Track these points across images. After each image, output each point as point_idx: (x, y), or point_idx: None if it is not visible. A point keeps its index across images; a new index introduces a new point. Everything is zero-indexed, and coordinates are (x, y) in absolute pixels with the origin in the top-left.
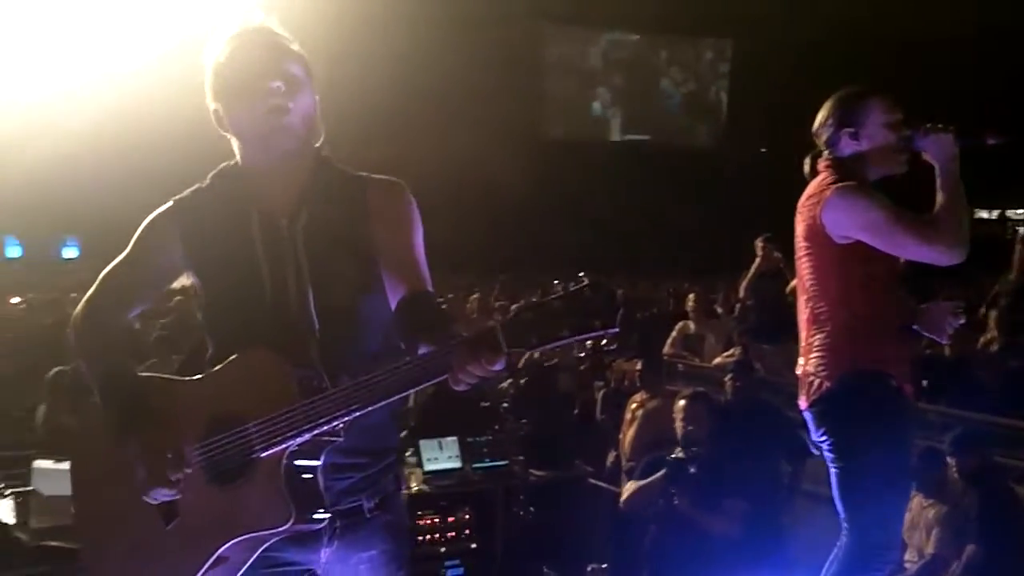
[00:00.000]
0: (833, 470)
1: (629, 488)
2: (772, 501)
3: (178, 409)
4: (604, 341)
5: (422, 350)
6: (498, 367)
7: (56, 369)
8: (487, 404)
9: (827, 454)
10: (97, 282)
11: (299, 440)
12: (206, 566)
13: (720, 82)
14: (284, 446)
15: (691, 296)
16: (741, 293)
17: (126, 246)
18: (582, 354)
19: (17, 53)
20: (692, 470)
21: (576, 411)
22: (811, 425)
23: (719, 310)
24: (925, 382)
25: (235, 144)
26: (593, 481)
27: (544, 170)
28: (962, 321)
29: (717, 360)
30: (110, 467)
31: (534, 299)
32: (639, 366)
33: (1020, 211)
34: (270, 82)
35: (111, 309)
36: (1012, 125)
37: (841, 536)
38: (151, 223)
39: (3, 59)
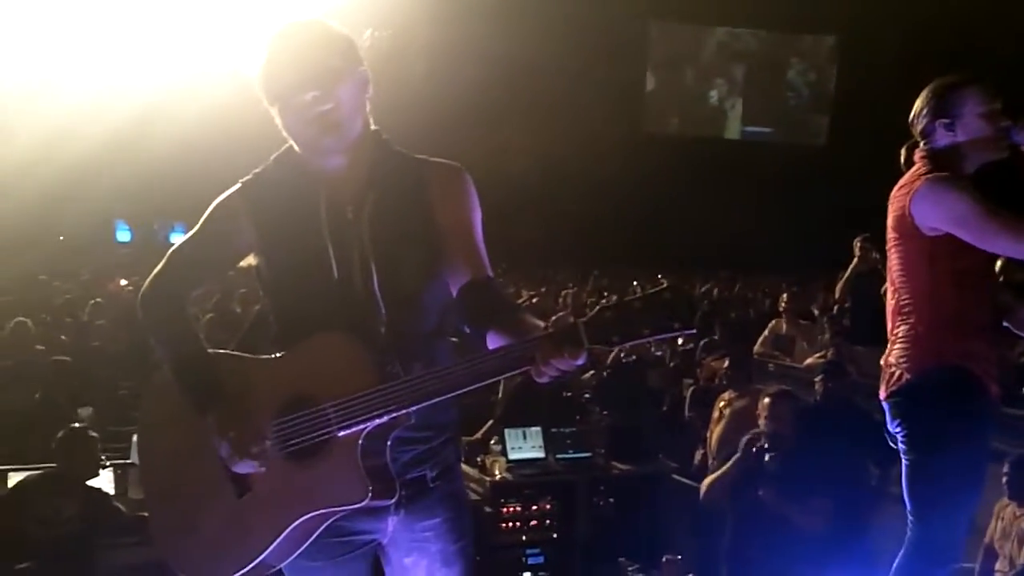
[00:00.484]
0: (904, 462)
1: (707, 481)
2: (856, 502)
3: (253, 387)
4: (681, 342)
5: (490, 335)
6: (580, 362)
7: None
8: (570, 395)
9: (900, 445)
10: (165, 259)
11: (377, 422)
12: (279, 539)
13: (826, 79)
14: (362, 427)
15: (784, 296)
16: (837, 293)
17: None
18: (658, 352)
19: (133, 43)
20: (771, 461)
21: (664, 408)
22: (888, 416)
23: (814, 311)
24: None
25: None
26: (677, 477)
27: (647, 166)
28: None
29: (809, 361)
30: (180, 440)
31: (615, 299)
32: (727, 364)
33: None
34: (305, 94)
35: (179, 285)
36: None
37: (907, 530)
38: (221, 203)
39: (118, 49)
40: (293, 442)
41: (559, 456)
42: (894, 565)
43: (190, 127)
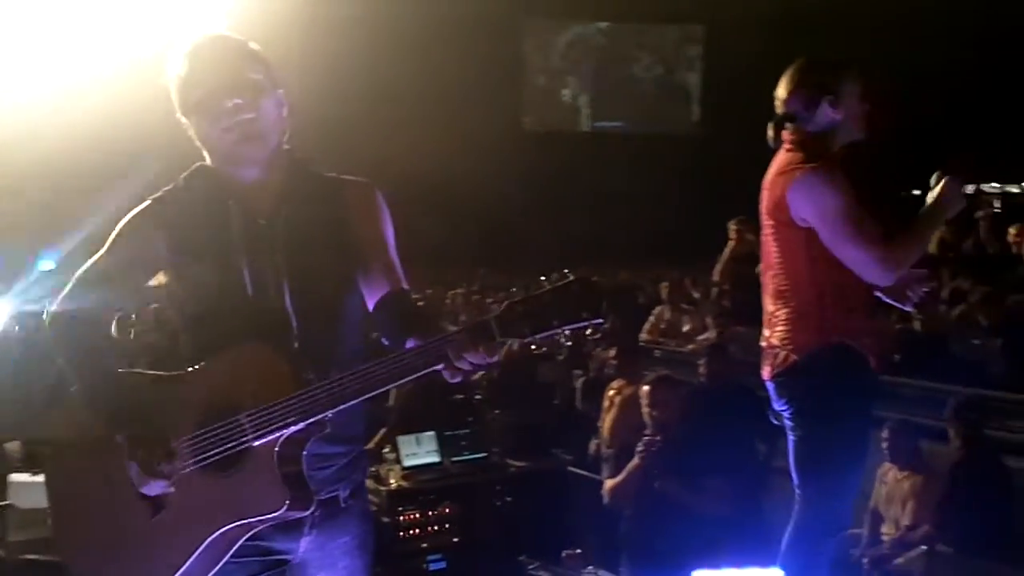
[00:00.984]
0: (791, 438)
1: (609, 485)
2: (750, 479)
3: (165, 404)
4: (589, 332)
5: (409, 345)
6: (494, 357)
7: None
8: (462, 397)
9: (787, 423)
10: (73, 280)
11: (293, 429)
12: (197, 552)
13: (692, 66)
14: (278, 435)
15: (665, 283)
16: (715, 276)
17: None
18: (535, 349)
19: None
20: (663, 451)
21: (556, 401)
22: (773, 395)
23: (695, 295)
24: (897, 356)
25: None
26: (573, 469)
27: (524, 163)
28: (926, 289)
29: (693, 344)
30: (91, 464)
31: (524, 293)
32: (614, 353)
33: (995, 185)
34: (228, 101)
35: (88, 307)
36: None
37: (795, 505)
38: (130, 221)
39: None
40: (209, 455)
41: (455, 459)
42: (785, 538)
43: (55, 151)
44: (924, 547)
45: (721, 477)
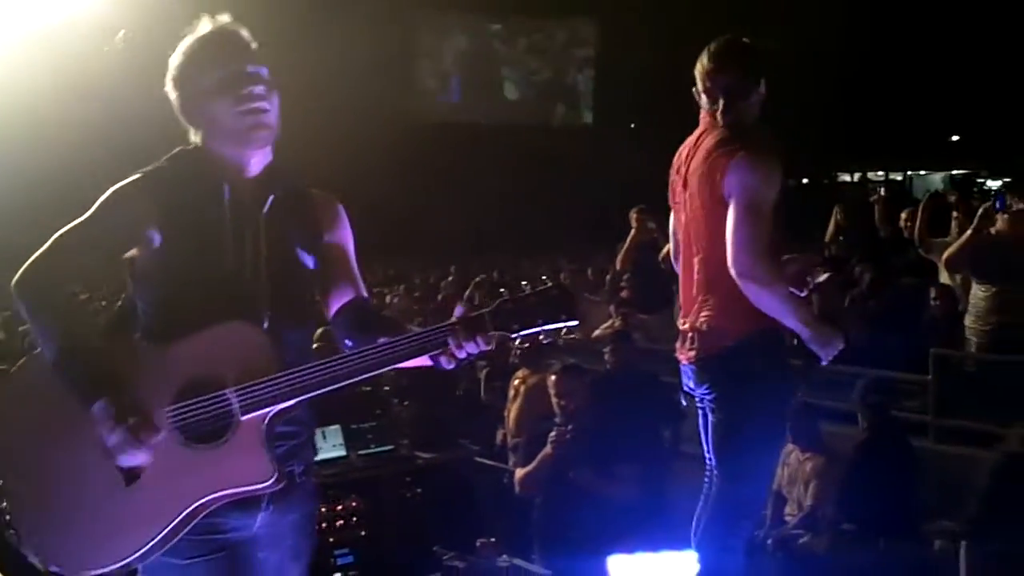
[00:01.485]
0: (712, 421)
1: (519, 475)
2: (657, 464)
3: (145, 373)
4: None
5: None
6: (487, 347)
7: None
8: (368, 389)
9: (707, 406)
10: (50, 243)
11: (282, 406)
12: (175, 522)
13: (584, 63)
14: (266, 411)
15: (563, 273)
16: (618, 265)
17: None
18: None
19: None
20: (573, 440)
21: (459, 392)
22: (691, 378)
23: (596, 284)
24: (796, 340)
25: (200, 132)
26: (479, 459)
27: (411, 155)
28: (822, 278)
29: (597, 332)
30: (54, 433)
31: (512, 294)
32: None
33: (880, 173)
34: (253, 86)
35: (65, 269)
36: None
37: (709, 487)
38: (120, 189)
39: None
40: (190, 425)
41: (361, 452)
42: (701, 522)
43: None
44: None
45: (629, 464)
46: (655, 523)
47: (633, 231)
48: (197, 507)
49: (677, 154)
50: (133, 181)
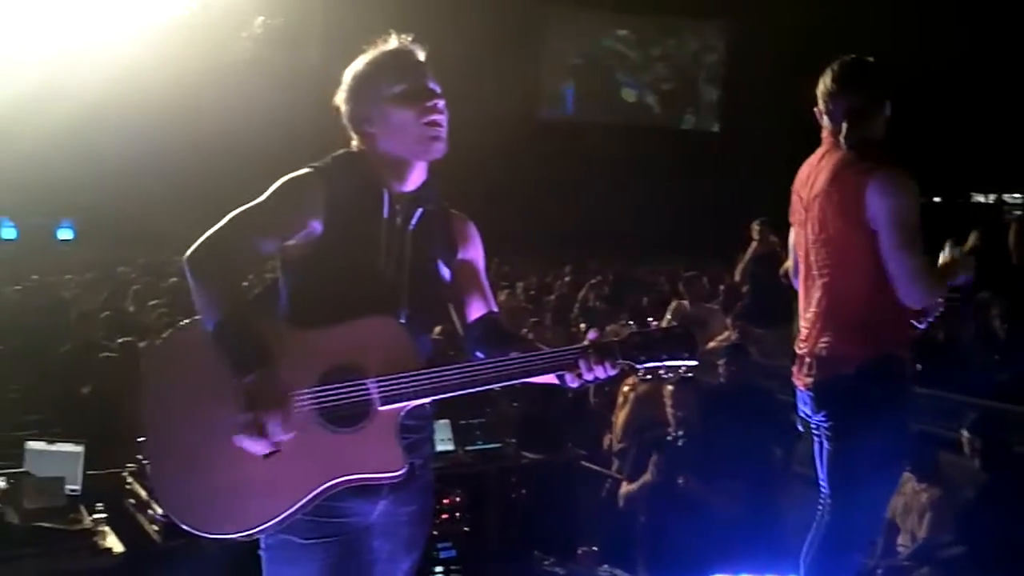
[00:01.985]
0: (826, 448)
1: (623, 491)
2: (767, 483)
3: (290, 355)
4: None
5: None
6: (613, 372)
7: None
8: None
9: (823, 432)
10: (226, 220)
11: (417, 402)
12: (307, 498)
13: (714, 66)
14: (404, 404)
15: (684, 279)
16: (736, 277)
17: (121, 228)
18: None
19: (15, 32)
20: (684, 450)
21: (569, 395)
22: (808, 404)
23: (713, 294)
24: (919, 366)
25: (369, 144)
26: (586, 464)
27: (537, 153)
28: (942, 308)
29: (712, 344)
30: (201, 400)
31: (640, 329)
32: None
33: (1017, 195)
34: (438, 100)
35: (238, 248)
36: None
37: (822, 514)
38: (296, 178)
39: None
40: (330, 408)
41: (468, 448)
42: (811, 548)
43: (72, 120)
44: (941, 559)
45: (736, 479)
46: (762, 543)
47: (755, 243)
48: (327, 487)
49: (799, 173)
50: (306, 173)
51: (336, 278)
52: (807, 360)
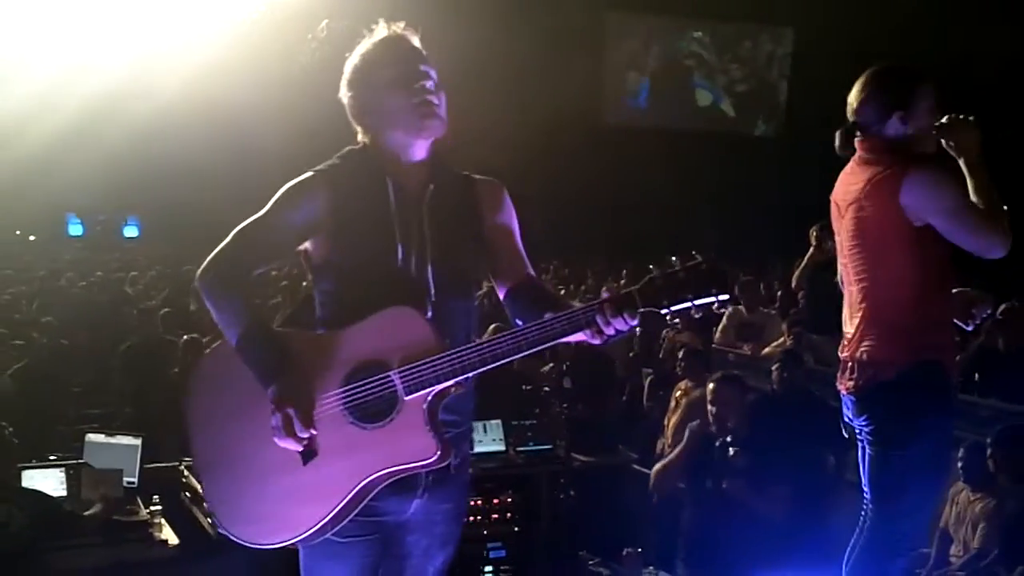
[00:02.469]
0: (869, 454)
1: (656, 468)
2: (816, 490)
3: (318, 359)
4: (716, 306)
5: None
6: (634, 323)
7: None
8: (530, 388)
9: (865, 438)
10: (232, 236)
11: (442, 386)
12: (348, 496)
13: (780, 71)
14: (428, 390)
15: (739, 284)
16: (794, 283)
17: (186, 226)
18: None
19: (85, 33)
20: (734, 453)
21: (624, 397)
22: (851, 409)
23: (770, 299)
24: (977, 375)
25: (370, 132)
26: (638, 468)
27: (601, 158)
28: (989, 311)
29: (767, 350)
30: (240, 412)
31: (661, 271)
32: (682, 355)
33: None
34: (426, 80)
35: (248, 261)
36: None
37: (863, 520)
38: (296, 185)
39: (71, 39)
40: (359, 405)
41: (520, 449)
42: (853, 555)
43: (141, 119)
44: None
45: (785, 483)
46: (809, 549)
47: (812, 249)
48: (368, 483)
49: (837, 182)
50: (308, 178)
51: (355, 278)
52: (849, 365)
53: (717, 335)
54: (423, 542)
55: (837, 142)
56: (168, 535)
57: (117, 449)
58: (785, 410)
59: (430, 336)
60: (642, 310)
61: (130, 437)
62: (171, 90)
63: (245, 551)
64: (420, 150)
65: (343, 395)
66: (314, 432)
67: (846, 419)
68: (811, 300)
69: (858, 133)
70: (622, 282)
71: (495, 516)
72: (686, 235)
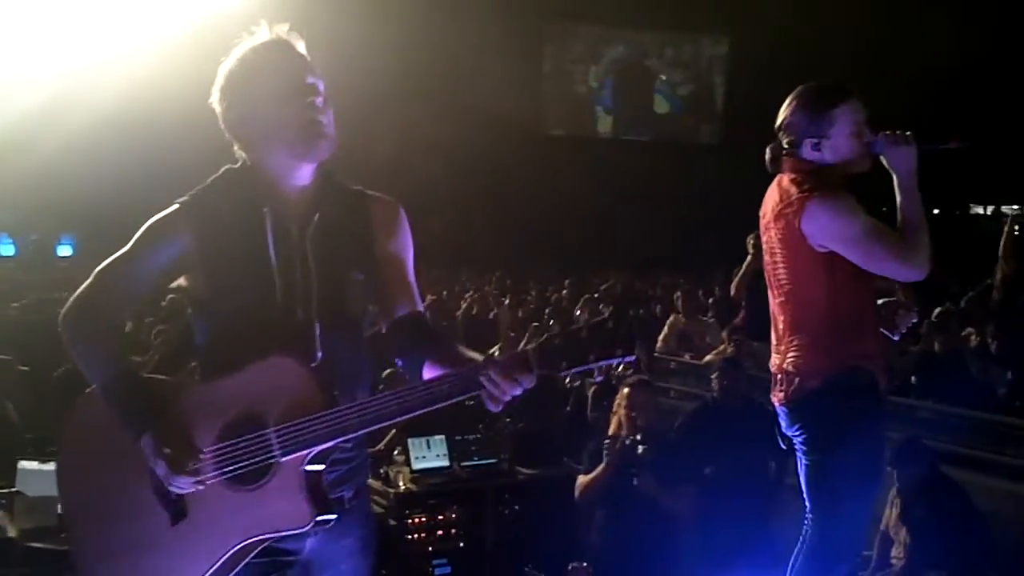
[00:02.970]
0: (804, 463)
1: (581, 482)
2: (759, 496)
3: (190, 409)
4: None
5: (426, 367)
6: (528, 385)
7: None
8: (473, 402)
9: (799, 447)
10: (92, 277)
11: (321, 447)
12: (216, 565)
13: (717, 79)
14: (306, 452)
15: (678, 293)
16: (733, 290)
17: (122, 244)
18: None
19: (12, 49)
20: (642, 451)
21: (568, 408)
22: (784, 420)
23: (710, 307)
24: (914, 378)
25: (247, 148)
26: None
27: (544, 166)
28: (915, 319)
29: (708, 357)
30: (109, 467)
31: (560, 328)
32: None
33: (1016, 207)
34: (314, 97)
35: (110, 305)
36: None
37: (805, 529)
38: (157, 222)
39: None
40: (234, 466)
41: (464, 464)
42: (795, 561)
43: (75, 134)
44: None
45: (695, 482)
46: (752, 556)
47: (750, 257)
48: (239, 550)
49: (765, 196)
50: (171, 212)
51: (233, 321)
52: (779, 376)
53: (659, 343)
54: None
55: (767, 158)
56: None
57: (51, 476)
58: (724, 416)
59: (312, 390)
60: (537, 372)
61: None
62: (105, 104)
63: None
64: (304, 173)
65: (216, 453)
66: (206, 461)
67: (782, 430)
68: (751, 307)
69: (784, 151)
70: (564, 292)
71: (440, 532)
72: (625, 243)
